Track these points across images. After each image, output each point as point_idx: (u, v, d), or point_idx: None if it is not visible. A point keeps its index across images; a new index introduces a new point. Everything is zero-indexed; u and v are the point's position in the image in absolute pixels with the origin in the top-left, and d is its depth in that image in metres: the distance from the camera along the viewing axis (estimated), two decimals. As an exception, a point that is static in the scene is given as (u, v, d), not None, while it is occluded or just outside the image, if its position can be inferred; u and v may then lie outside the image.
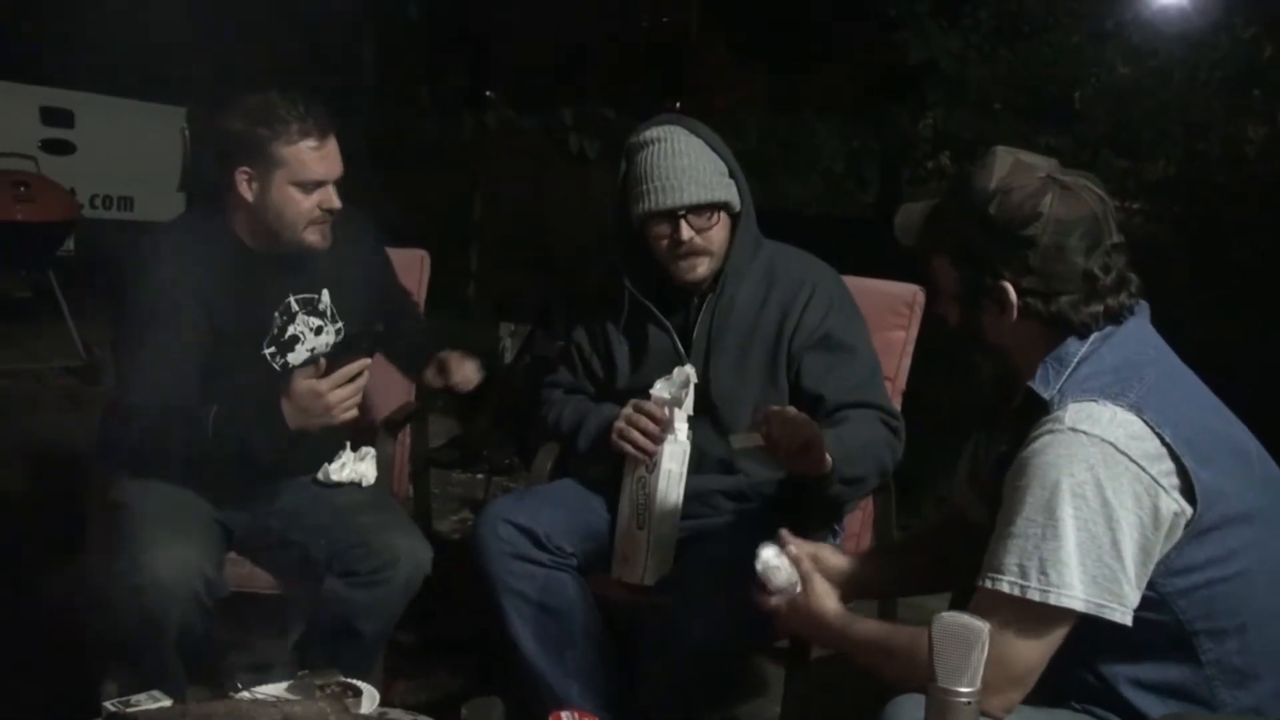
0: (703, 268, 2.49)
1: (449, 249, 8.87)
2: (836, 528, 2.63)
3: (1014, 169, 1.70)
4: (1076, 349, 1.69)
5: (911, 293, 2.87)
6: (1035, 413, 1.66)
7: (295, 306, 2.57)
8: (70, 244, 6.21)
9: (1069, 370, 1.67)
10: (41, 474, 4.53)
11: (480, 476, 4.81)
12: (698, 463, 2.49)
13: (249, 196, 2.45)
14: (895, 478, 2.72)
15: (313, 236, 2.48)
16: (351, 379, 2.34)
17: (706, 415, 2.51)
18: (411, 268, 3.19)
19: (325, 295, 2.59)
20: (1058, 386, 1.67)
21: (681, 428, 2.45)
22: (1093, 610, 1.56)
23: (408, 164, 9.26)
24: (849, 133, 8.99)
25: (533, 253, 8.24)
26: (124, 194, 7.39)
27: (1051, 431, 1.61)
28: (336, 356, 2.38)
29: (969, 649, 1.35)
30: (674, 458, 2.44)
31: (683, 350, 2.55)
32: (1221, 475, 1.60)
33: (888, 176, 8.12)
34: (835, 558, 2.06)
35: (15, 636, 2.94)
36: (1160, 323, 1.77)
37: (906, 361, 2.83)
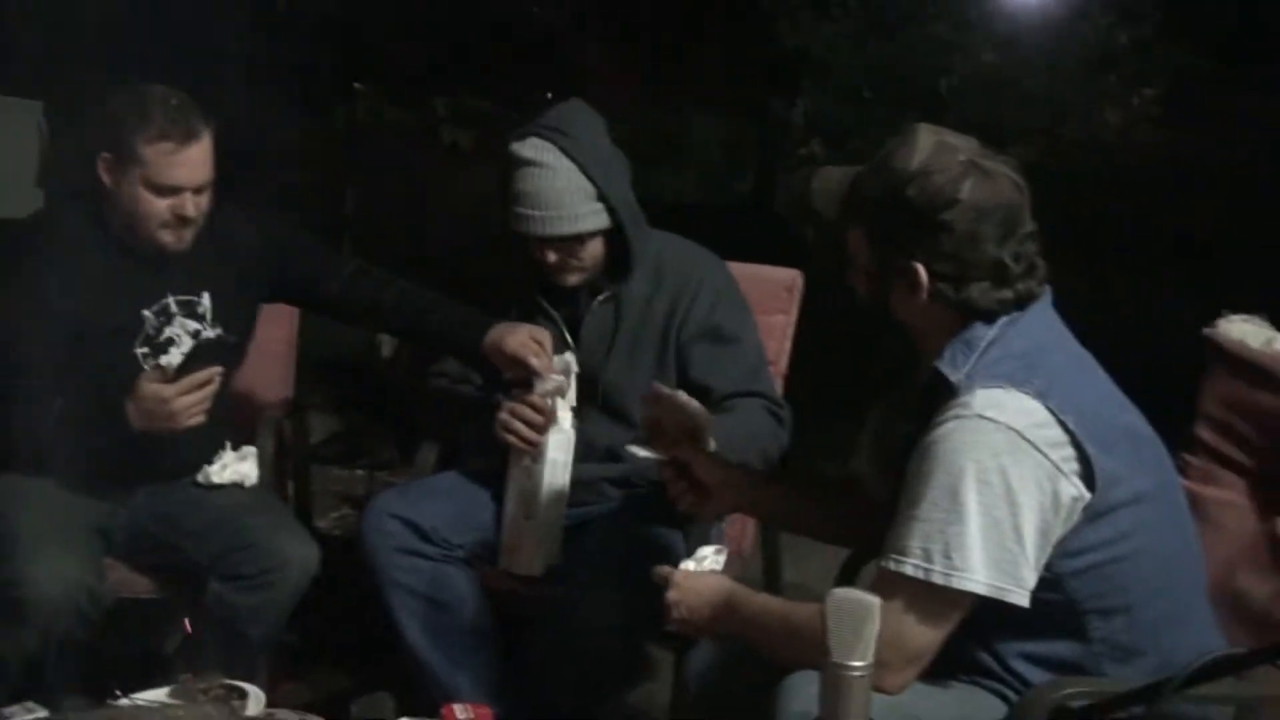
0: (573, 278, 2.49)
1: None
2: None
3: (936, 150, 1.70)
4: (984, 333, 1.71)
5: (791, 277, 2.91)
6: (941, 395, 1.69)
7: (174, 308, 2.49)
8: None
9: (976, 354, 1.69)
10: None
11: (360, 473, 4.76)
12: (585, 451, 2.49)
13: (108, 183, 2.37)
14: (780, 460, 2.76)
15: (166, 237, 2.40)
16: (199, 387, 2.30)
17: (595, 405, 2.51)
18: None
19: (206, 298, 2.52)
20: (964, 370, 1.69)
21: (565, 416, 2.44)
22: (993, 593, 1.60)
23: (277, 158, 9.07)
24: (724, 122, 9.07)
25: (407, 246, 8.14)
26: (-9, 193, 7.10)
27: (958, 417, 1.63)
28: (188, 363, 2.34)
29: (861, 624, 1.37)
30: (559, 447, 2.44)
31: (571, 342, 2.55)
32: (1117, 460, 1.65)
33: (763, 165, 8.22)
34: (715, 465, 2.08)
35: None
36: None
37: (787, 345, 2.87)
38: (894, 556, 1.64)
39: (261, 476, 2.61)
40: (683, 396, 2.18)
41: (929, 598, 1.62)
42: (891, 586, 1.62)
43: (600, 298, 2.54)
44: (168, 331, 2.49)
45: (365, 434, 4.98)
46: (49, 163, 7.25)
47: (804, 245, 2.77)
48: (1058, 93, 6.67)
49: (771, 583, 2.79)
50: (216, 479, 2.53)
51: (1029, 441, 1.61)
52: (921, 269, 1.71)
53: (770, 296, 2.83)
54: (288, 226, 2.71)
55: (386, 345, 5.35)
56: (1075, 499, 1.63)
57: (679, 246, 2.62)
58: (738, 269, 2.73)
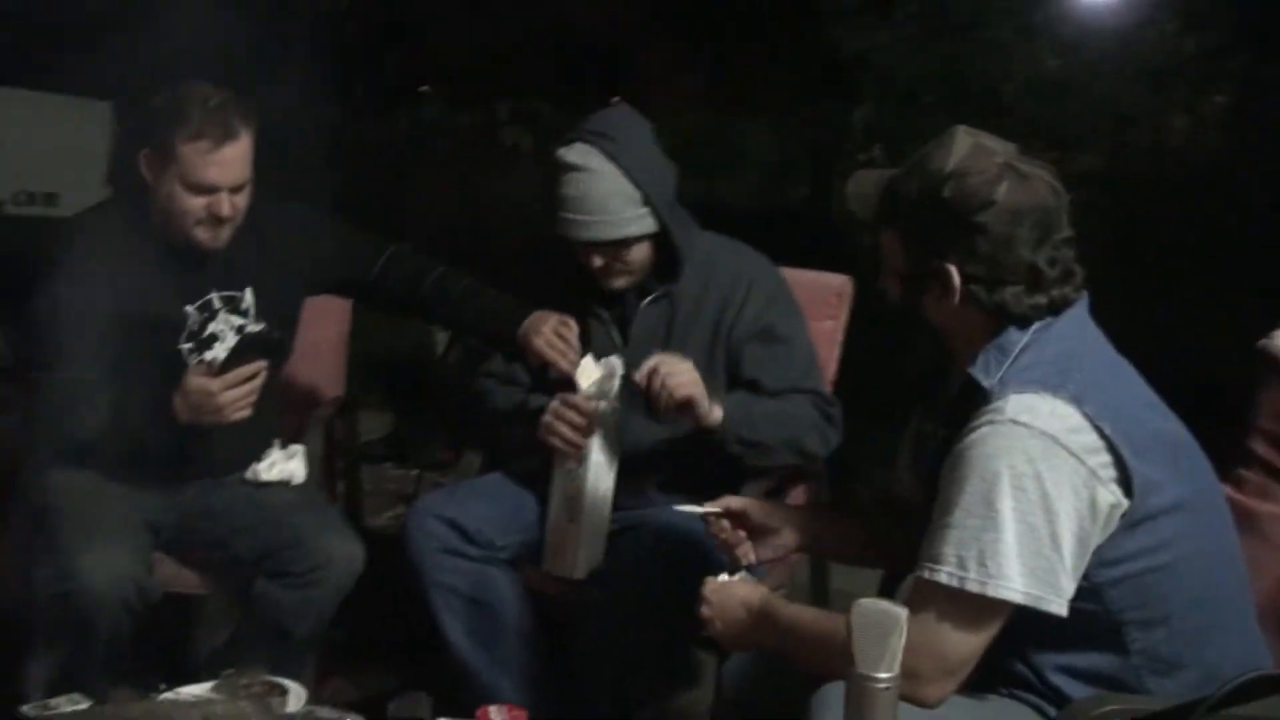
0: (621, 282, 2.50)
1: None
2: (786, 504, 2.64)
3: (972, 152, 1.69)
4: (1018, 338, 1.69)
5: (840, 283, 2.90)
6: (975, 400, 1.67)
7: (218, 304, 2.53)
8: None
9: (1010, 360, 1.68)
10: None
11: (415, 472, 4.78)
12: (632, 454, 2.49)
13: (149, 179, 2.41)
14: (828, 467, 2.74)
15: (202, 235, 2.43)
16: (245, 381, 2.32)
17: (643, 408, 2.50)
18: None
19: (249, 294, 2.55)
20: (998, 376, 1.67)
21: (610, 419, 2.44)
22: (1030, 602, 1.57)
23: (340, 160, 9.16)
24: (782, 127, 9.02)
25: (468, 247, 8.18)
26: (48, 190, 7.23)
27: (992, 423, 1.61)
28: (232, 359, 2.35)
29: (886, 635, 1.35)
30: (603, 450, 2.44)
31: (620, 342, 2.55)
32: (1155, 467, 1.62)
33: (820, 170, 8.15)
34: (768, 507, 2.07)
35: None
36: (1091, 313, 1.78)
37: (836, 351, 2.85)
38: (928, 565, 1.62)
39: (310, 475, 2.64)
40: (676, 361, 2.28)
41: (965, 607, 1.59)
42: (927, 596, 1.60)
43: (649, 299, 2.54)
44: (211, 327, 2.52)
45: (418, 433, 5.02)
46: (117, 163, 7.40)
47: (857, 250, 2.76)
48: (1123, 99, 6.55)
49: (818, 590, 2.78)
50: (265, 476, 2.57)
51: (1064, 447, 1.58)
52: (954, 271, 1.69)
53: (819, 302, 2.81)
54: (326, 218, 2.73)
55: (440, 344, 5.38)
56: (1113, 506, 1.60)
57: (729, 248, 2.61)
58: (787, 274, 2.71)
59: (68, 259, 2.40)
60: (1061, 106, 6.58)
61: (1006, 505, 1.57)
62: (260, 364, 2.34)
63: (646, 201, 2.42)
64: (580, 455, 2.44)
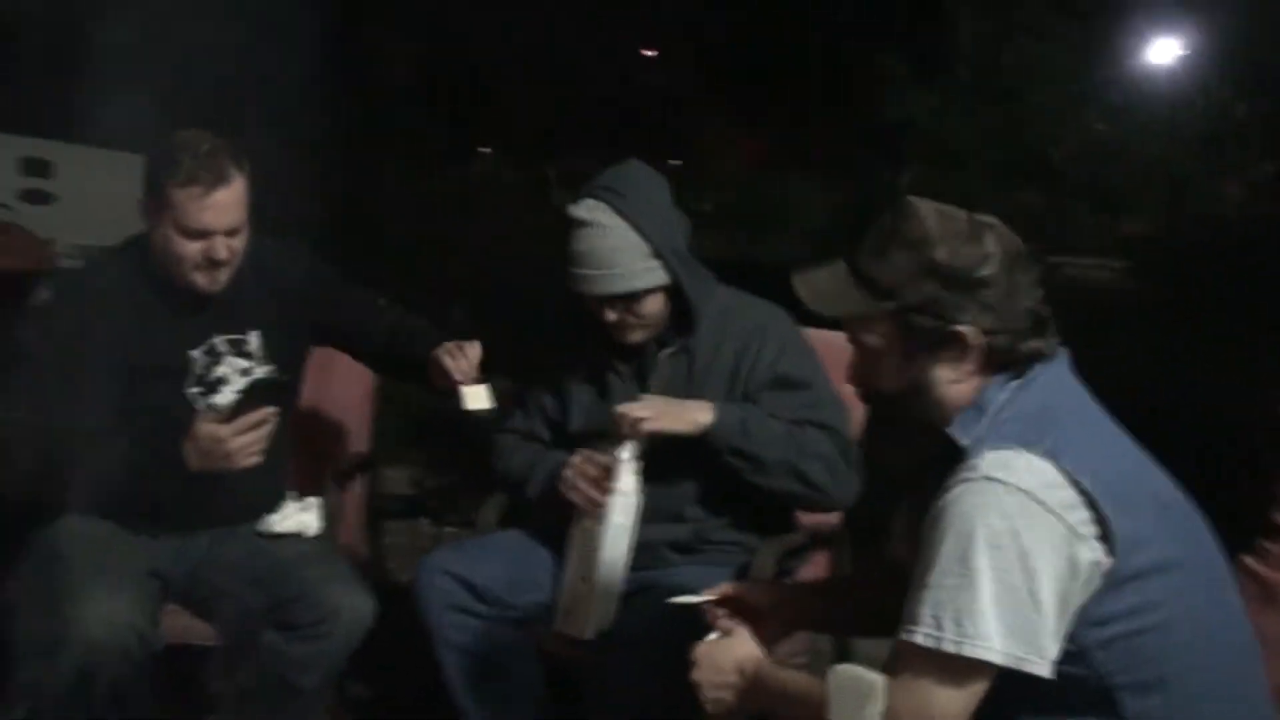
0: (637, 336, 2.50)
1: (433, 305, 8.87)
2: (785, 580, 2.59)
3: (940, 216, 1.67)
4: (995, 395, 1.66)
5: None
6: (954, 461, 1.63)
7: (222, 347, 2.54)
8: (46, 293, 6.18)
9: (988, 418, 1.64)
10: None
11: (449, 529, 4.78)
12: (648, 513, 2.45)
13: (146, 227, 2.44)
14: (851, 532, 2.69)
15: (199, 279, 2.44)
16: (254, 427, 2.32)
17: (659, 462, 2.47)
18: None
19: (254, 337, 2.56)
20: (975, 434, 1.63)
21: (631, 480, 2.42)
22: (1011, 663, 1.52)
23: (394, 218, 9.27)
24: (829, 189, 9.02)
25: (515, 307, 8.22)
26: (104, 244, 7.36)
27: (966, 480, 1.57)
28: (242, 404, 2.36)
29: (863, 702, 1.32)
30: (623, 511, 2.41)
31: (639, 396, 2.52)
32: (1141, 523, 1.57)
33: (862, 232, 8.11)
34: (764, 590, 2.01)
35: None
36: (1138, 376, 1.73)
37: (858, 414, 2.80)
38: (906, 626, 1.56)
39: (325, 528, 2.63)
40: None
41: (944, 668, 1.54)
42: (906, 658, 1.56)
43: (667, 351, 2.53)
44: (217, 371, 2.53)
45: (452, 489, 5.01)
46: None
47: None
48: (1174, 164, 6.47)
49: (842, 657, 2.72)
50: (277, 528, 2.57)
51: (1041, 503, 1.53)
52: (973, 332, 1.65)
53: (843, 363, 2.76)
54: (333, 271, 2.75)
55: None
56: (1094, 563, 1.54)
57: (745, 301, 2.61)
58: (816, 334, 2.68)
59: (71, 308, 2.44)
60: (1113, 170, 6.52)
61: (983, 564, 1.52)
62: (269, 410, 2.35)
63: (657, 254, 2.42)
64: (599, 514, 2.42)
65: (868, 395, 1.79)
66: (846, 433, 2.48)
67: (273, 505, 2.60)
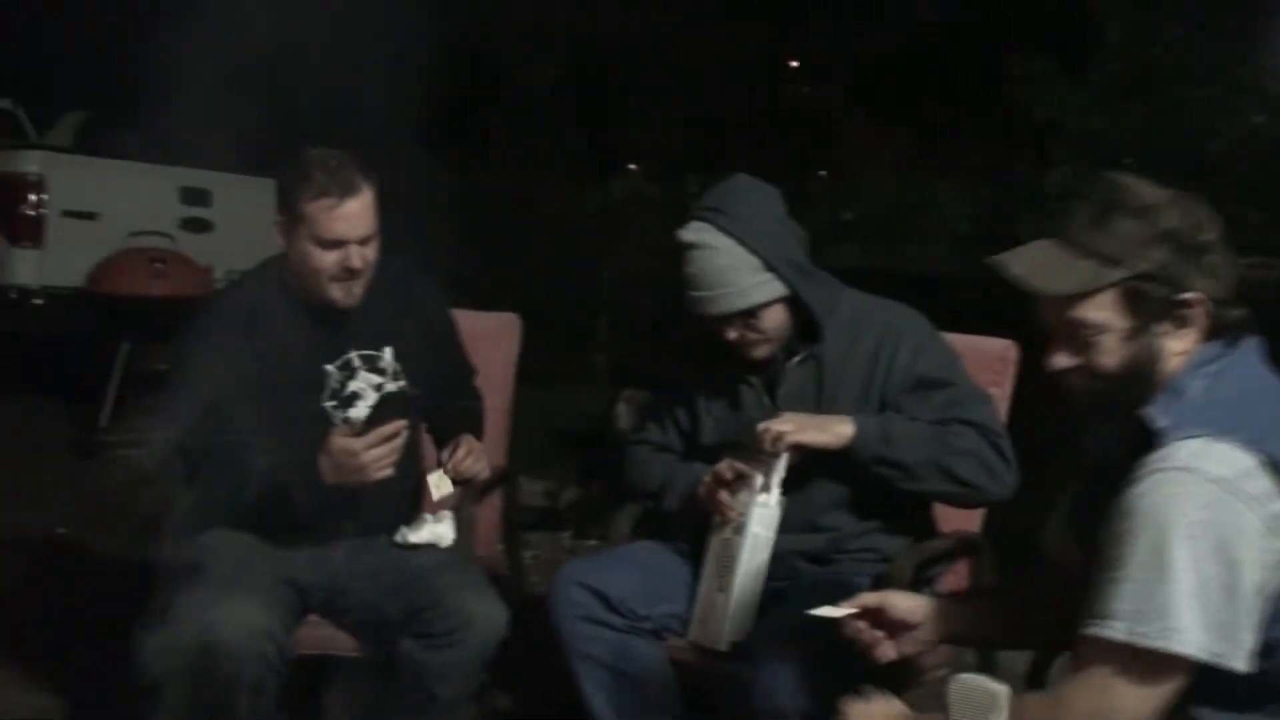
0: (760, 351, 2.46)
1: (579, 318, 8.97)
2: (923, 591, 2.53)
3: (1149, 185, 1.64)
4: (1191, 380, 1.61)
5: (1004, 347, 2.79)
6: (1140, 449, 1.58)
7: (357, 362, 2.59)
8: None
9: (1184, 402, 1.60)
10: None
11: (592, 543, 4.81)
12: (782, 523, 2.42)
13: (283, 243, 2.50)
14: (994, 537, 2.61)
15: (336, 293, 2.50)
16: (386, 440, 2.36)
17: (796, 471, 2.43)
18: (503, 332, 3.20)
19: (388, 352, 2.61)
20: (1169, 420, 1.58)
21: (774, 491, 2.39)
22: (1209, 658, 1.47)
23: (539, 234, 9.40)
24: (975, 194, 8.84)
25: (656, 321, 8.26)
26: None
27: (1159, 470, 1.53)
28: (374, 418, 2.41)
29: (986, 713, 1.26)
30: (762, 521, 2.38)
31: (770, 406, 2.51)
32: None
33: (1012, 237, 7.90)
34: (908, 600, 1.95)
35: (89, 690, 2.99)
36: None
37: (1002, 419, 2.72)
38: (1099, 621, 1.52)
39: (461, 539, 2.66)
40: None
41: (1141, 664, 1.50)
42: (1097, 655, 1.51)
43: (796, 359, 2.50)
44: (352, 385, 2.58)
45: (600, 503, 5.04)
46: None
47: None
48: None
49: (987, 669, 2.64)
50: (413, 538, 2.59)
51: (1236, 494, 1.49)
52: (1202, 297, 1.61)
53: (983, 368, 2.70)
54: (454, 322, 2.83)
55: (623, 416, 5.40)
56: None
57: (875, 304, 2.56)
58: (949, 339, 2.62)
59: (212, 329, 2.51)
60: (1273, 165, 6.27)
61: (1180, 556, 1.48)
62: (401, 423, 2.38)
63: (769, 267, 2.39)
64: (738, 524, 2.40)
65: (1062, 384, 1.71)
66: (995, 425, 2.42)
67: (409, 517, 2.63)
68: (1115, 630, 1.50)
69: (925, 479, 2.37)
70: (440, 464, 2.59)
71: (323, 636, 2.55)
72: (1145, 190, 1.62)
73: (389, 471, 2.40)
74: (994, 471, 2.37)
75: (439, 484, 2.56)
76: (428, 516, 2.62)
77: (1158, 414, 1.59)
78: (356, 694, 2.53)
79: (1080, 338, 1.65)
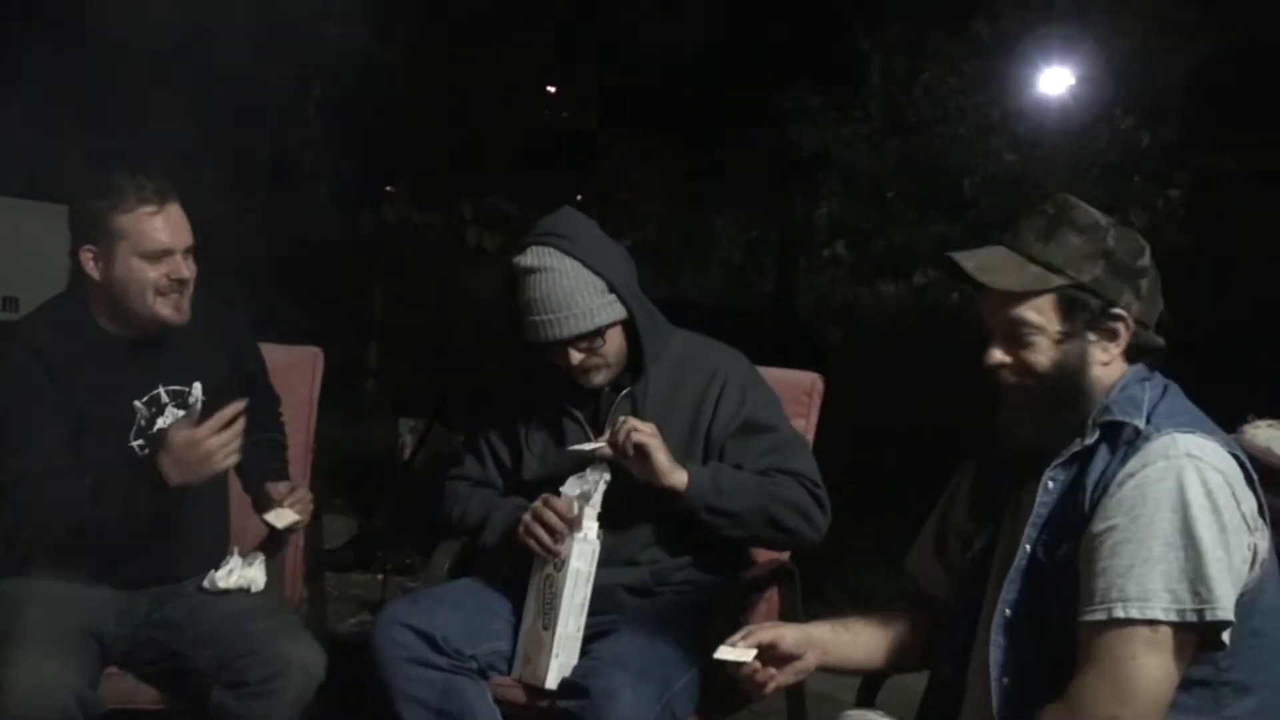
0: (600, 377, 2.48)
1: (349, 345, 8.78)
2: (739, 619, 2.58)
3: (1095, 209, 1.79)
4: (1139, 390, 1.75)
5: (810, 380, 2.88)
6: (1113, 446, 1.72)
7: (165, 398, 2.50)
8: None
9: (1144, 407, 1.73)
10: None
11: (380, 577, 4.70)
12: (604, 557, 2.43)
13: (96, 276, 2.40)
14: (800, 567, 2.69)
15: (165, 310, 2.41)
16: (227, 424, 2.28)
17: (616, 507, 2.45)
18: (304, 365, 3.11)
19: (197, 388, 2.50)
20: (1141, 420, 1.71)
21: (591, 526, 2.40)
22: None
23: (307, 261, 9.17)
24: (747, 224, 9.09)
25: (433, 348, 8.18)
26: (8, 294, 7.16)
27: (1167, 458, 1.65)
28: (209, 406, 2.31)
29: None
30: (582, 557, 2.39)
31: (593, 440, 2.50)
32: None
33: (785, 266, 8.19)
34: (794, 633, 2.00)
35: None
36: None
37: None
38: (1135, 603, 1.62)
39: (269, 582, 2.57)
40: (636, 422, 2.35)
41: (1176, 639, 1.62)
42: (1129, 637, 1.62)
43: (622, 394, 2.52)
44: (160, 422, 2.48)
45: (385, 538, 4.93)
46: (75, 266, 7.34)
47: (824, 349, 2.72)
48: (1081, 193, 6.61)
49: (794, 696, 2.72)
50: (222, 584, 2.50)
51: (1231, 486, 1.66)
52: (1128, 316, 1.74)
53: (789, 400, 2.78)
54: (260, 360, 2.77)
55: (408, 447, 5.32)
56: (1254, 550, 1.67)
57: (699, 343, 2.61)
58: (766, 373, 2.69)
59: (13, 361, 2.37)
60: (1021, 201, 6.65)
61: (1203, 533, 1.61)
62: (239, 405, 2.30)
63: (611, 288, 2.42)
64: (559, 561, 2.40)
65: (996, 380, 1.82)
66: (814, 474, 2.50)
67: (216, 560, 2.53)
68: (1156, 610, 1.61)
69: (750, 527, 2.44)
70: (273, 501, 2.52)
71: (125, 689, 2.43)
72: (1092, 212, 1.77)
73: (234, 459, 2.32)
74: (812, 520, 2.46)
75: (280, 517, 2.48)
76: (237, 560, 2.53)
77: (1124, 416, 1.72)
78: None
79: (1017, 336, 1.78)
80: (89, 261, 2.39)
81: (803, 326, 8.12)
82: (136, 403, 2.47)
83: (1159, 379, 1.78)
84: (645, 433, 2.35)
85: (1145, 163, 6.72)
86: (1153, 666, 1.62)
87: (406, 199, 9.99)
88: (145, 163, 2.44)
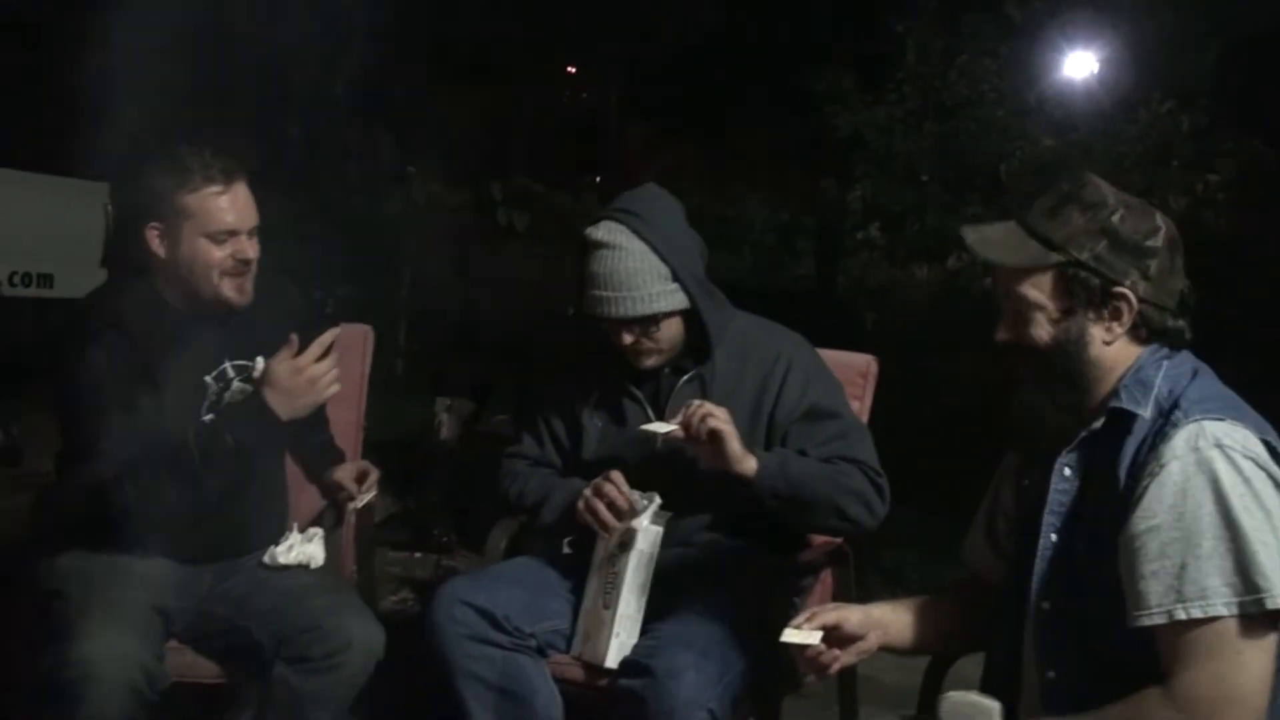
0: (651, 360, 2.47)
1: (378, 325, 8.76)
2: (795, 600, 2.58)
3: (1113, 186, 1.76)
4: (1154, 372, 1.72)
5: (865, 362, 2.87)
6: (1121, 433, 1.69)
7: (231, 373, 2.50)
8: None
9: (1154, 390, 1.70)
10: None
11: (418, 555, 4.72)
12: (666, 537, 2.43)
13: (162, 254, 2.39)
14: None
15: (229, 290, 2.41)
16: (326, 352, 2.31)
17: (678, 489, 2.44)
18: (355, 343, 3.11)
19: (260, 363, 2.50)
20: (1150, 409, 1.69)
21: (653, 508, 2.39)
22: None
23: (335, 240, 9.17)
24: (778, 205, 9.05)
25: (463, 327, 8.17)
26: (44, 271, 7.20)
27: (1197, 449, 1.62)
28: (304, 338, 2.33)
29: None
30: (647, 539, 2.40)
31: (655, 421, 2.49)
32: None
33: (825, 249, 8.15)
34: (856, 614, 1.99)
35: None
36: None
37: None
38: (1196, 604, 1.59)
39: (328, 558, 2.58)
40: (710, 406, 2.31)
41: (1247, 633, 1.58)
42: (1199, 640, 1.58)
43: (684, 378, 2.51)
44: (227, 398, 2.48)
45: (423, 516, 4.94)
46: (112, 243, 7.38)
47: (866, 331, 2.70)
48: (1118, 178, 6.57)
49: (847, 677, 2.71)
50: (283, 560, 2.51)
51: (1266, 469, 1.62)
52: (1131, 295, 1.71)
53: (846, 382, 2.77)
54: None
55: (445, 427, 5.32)
56: None
57: (764, 327, 2.59)
58: (827, 355, 2.68)
59: (98, 335, 2.35)
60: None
61: (1247, 523, 1.58)
62: (334, 330, 2.33)
63: (675, 277, 2.40)
64: (622, 540, 2.39)
65: (1012, 352, 1.81)
66: (875, 463, 2.49)
67: (275, 537, 2.54)
68: (1218, 606, 1.57)
69: (815, 515, 2.44)
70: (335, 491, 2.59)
71: (185, 662, 2.43)
72: (1103, 190, 1.74)
73: (336, 388, 2.35)
74: (873, 508, 2.45)
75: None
76: (297, 536, 2.54)
77: (1132, 404, 1.70)
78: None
79: (1019, 313, 1.77)
80: (154, 239, 2.38)
81: (844, 309, 8.08)
82: (206, 378, 2.47)
83: (1186, 361, 1.75)
84: (720, 418, 2.32)
85: (1184, 147, 6.67)
86: (1238, 665, 1.58)
87: (432, 179, 9.99)
88: (212, 140, 2.43)
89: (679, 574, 2.45)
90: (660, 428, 2.38)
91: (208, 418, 2.44)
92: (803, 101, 7.60)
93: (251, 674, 2.41)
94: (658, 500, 2.39)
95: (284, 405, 2.30)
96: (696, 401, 2.35)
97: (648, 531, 2.38)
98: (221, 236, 2.37)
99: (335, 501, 2.73)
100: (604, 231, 2.40)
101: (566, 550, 2.57)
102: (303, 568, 2.52)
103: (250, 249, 2.40)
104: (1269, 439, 1.65)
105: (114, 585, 2.32)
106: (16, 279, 7.00)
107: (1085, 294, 1.73)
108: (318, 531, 2.58)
